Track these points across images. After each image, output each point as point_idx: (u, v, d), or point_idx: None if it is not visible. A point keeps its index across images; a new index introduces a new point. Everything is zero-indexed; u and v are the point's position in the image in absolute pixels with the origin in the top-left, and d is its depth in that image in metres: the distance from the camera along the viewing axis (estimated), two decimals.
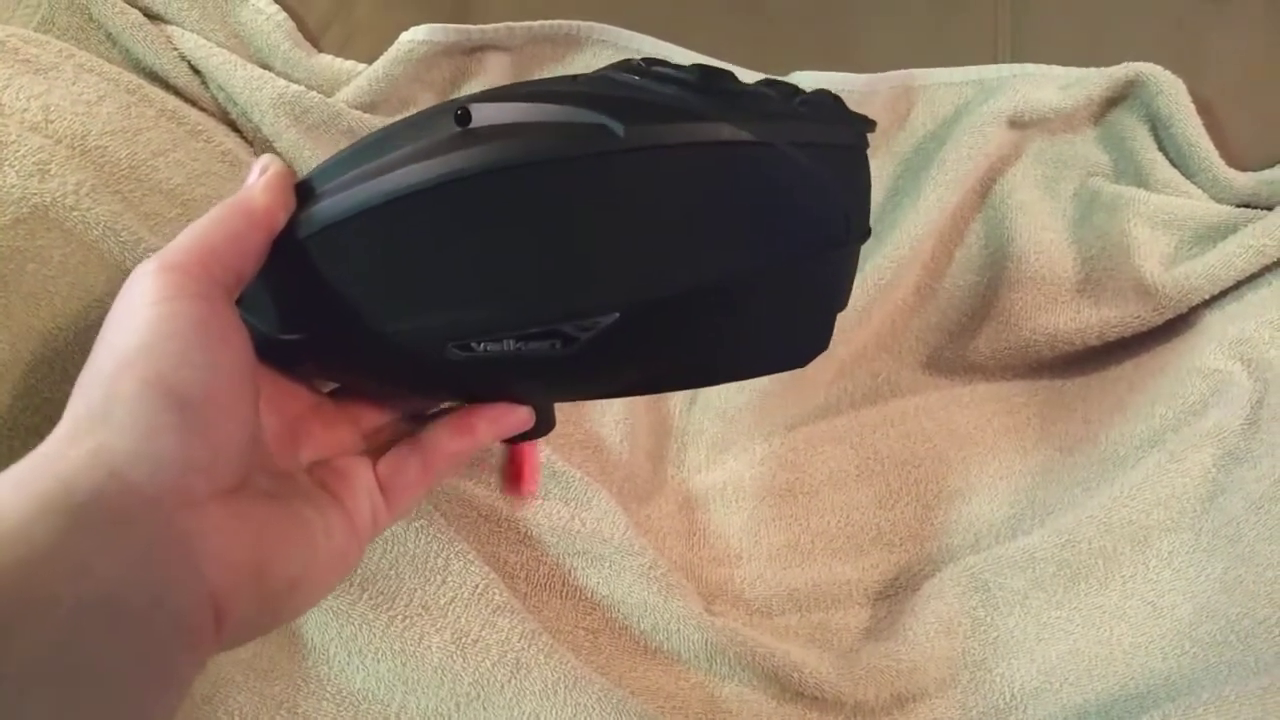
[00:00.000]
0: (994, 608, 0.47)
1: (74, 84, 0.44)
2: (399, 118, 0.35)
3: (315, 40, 0.58)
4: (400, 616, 0.41)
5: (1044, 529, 0.48)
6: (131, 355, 0.26)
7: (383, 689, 0.39)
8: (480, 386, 0.36)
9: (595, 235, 0.31)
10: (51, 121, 0.40)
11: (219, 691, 0.37)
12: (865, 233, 0.35)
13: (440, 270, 0.31)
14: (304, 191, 0.32)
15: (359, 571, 0.42)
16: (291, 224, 0.31)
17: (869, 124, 0.34)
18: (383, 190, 0.29)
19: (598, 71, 0.33)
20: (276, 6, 0.57)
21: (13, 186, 0.37)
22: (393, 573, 0.42)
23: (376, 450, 0.36)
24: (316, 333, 0.33)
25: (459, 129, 0.30)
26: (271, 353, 0.33)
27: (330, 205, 0.30)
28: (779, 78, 0.34)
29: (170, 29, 0.55)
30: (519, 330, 0.32)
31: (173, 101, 0.49)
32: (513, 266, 0.31)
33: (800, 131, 0.31)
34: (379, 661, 0.39)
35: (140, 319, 0.27)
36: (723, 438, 0.57)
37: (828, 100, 0.33)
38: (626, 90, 0.31)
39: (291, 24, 0.57)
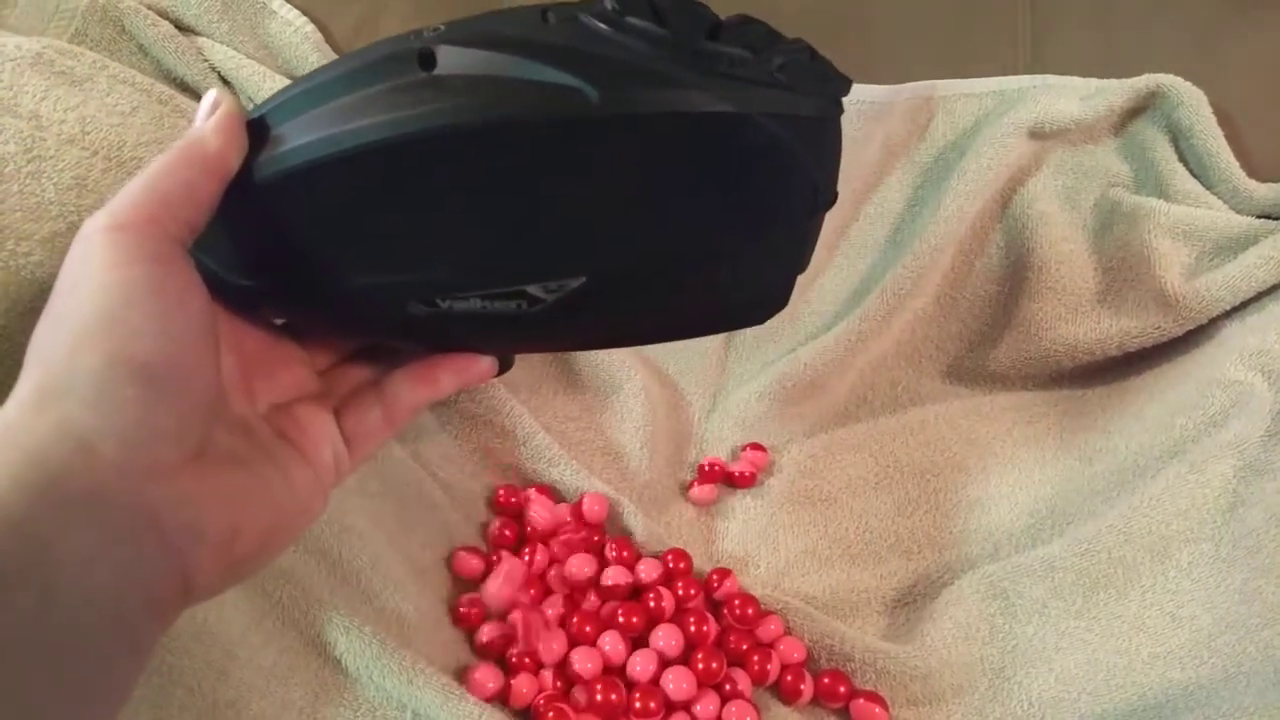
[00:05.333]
0: (1013, 616, 0.47)
1: (108, 95, 0.44)
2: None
3: (343, 51, 0.59)
4: (407, 642, 0.42)
5: (1063, 538, 0.48)
6: (91, 326, 0.26)
7: (394, 702, 0.40)
8: (443, 339, 0.36)
9: (564, 199, 0.30)
10: (88, 133, 0.41)
11: (241, 696, 0.38)
12: (831, 200, 0.35)
13: (403, 226, 0.31)
14: (258, 130, 0.30)
15: (371, 603, 0.42)
16: (248, 165, 0.30)
17: (846, 84, 0.34)
18: (343, 141, 0.29)
19: (568, 12, 0.30)
20: (305, 19, 0.58)
21: (51, 202, 0.38)
22: (398, 614, 0.43)
23: (337, 397, 0.36)
24: (272, 280, 0.32)
25: (424, 73, 0.29)
26: (226, 294, 0.32)
27: (289, 151, 0.29)
28: (755, 17, 0.33)
29: (201, 41, 0.56)
30: (483, 290, 0.32)
31: None
32: (478, 226, 0.30)
33: (776, 102, 0.30)
34: (385, 678, 0.39)
35: (96, 284, 0.26)
36: (741, 445, 0.57)
37: (805, 60, 0.32)
38: (600, 46, 0.29)
39: (319, 36, 0.58)
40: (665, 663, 0.45)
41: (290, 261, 0.32)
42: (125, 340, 0.26)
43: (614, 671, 0.44)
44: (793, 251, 0.36)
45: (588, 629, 0.45)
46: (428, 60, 0.29)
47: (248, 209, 0.30)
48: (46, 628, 0.23)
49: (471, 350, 0.37)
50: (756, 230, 0.33)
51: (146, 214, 0.27)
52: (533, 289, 0.32)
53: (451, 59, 0.29)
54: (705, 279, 0.34)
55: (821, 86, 0.33)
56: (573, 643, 0.45)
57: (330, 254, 0.31)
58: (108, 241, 0.27)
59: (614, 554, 0.48)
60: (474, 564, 0.48)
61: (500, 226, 0.31)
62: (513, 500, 0.51)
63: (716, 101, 0.29)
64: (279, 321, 0.37)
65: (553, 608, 0.47)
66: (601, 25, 0.29)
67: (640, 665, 0.44)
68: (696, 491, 0.54)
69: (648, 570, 0.48)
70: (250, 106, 0.54)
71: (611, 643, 0.45)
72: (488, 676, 0.43)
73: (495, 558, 0.48)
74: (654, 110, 0.29)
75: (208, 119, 0.30)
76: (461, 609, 0.46)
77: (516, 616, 0.45)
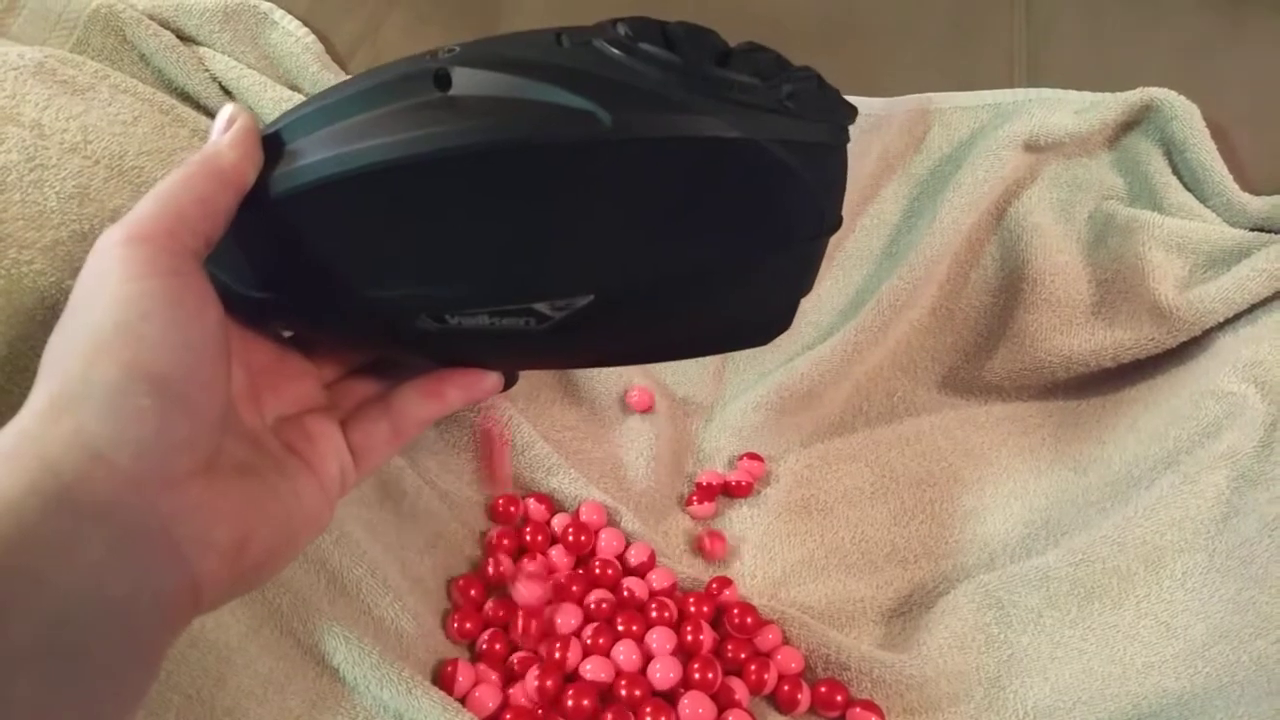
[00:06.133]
0: (1008, 625, 0.47)
1: (110, 105, 0.45)
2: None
3: (344, 62, 0.60)
4: (405, 653, 0.42)
5: (1058, 548, 0.48)
6: (108, 337, 0.26)
7: (390, 713, 0.40)
8: (451, 354, 0.36)
9: (574, 220, 0.31)
10: (90, 142, 0.41)
11: (239, 704, 0.38)
12: (836, 224, 0.35)
13: (414, 244, 0.31)
14: (273, 145, 0.31)
15: (370, 613, 0.43)
16: (262, 180, 0.30)
17: (852, 112, 0.34)
18: (359, 159, 0.29)
19: (582, 36, 0.31)
20: (306, 29, 0.58)
21: (53, 210, 0.38)
22: (396, 624, 0.43)
23: (344, 410, 0.36)
24: (283, 294, 0.33)
25: (439, 93, 0.29)
26: (237, 307, 0.32)
27: (304, 168, 0.30)
28: (766, 46, 0.33)
29: (202, 50, 0.56)
30: (493, 307, 0.32)
31: (205, 121, 0.50)
32: (489, 245, 0.31)
33: (784, 129, 0.31)
34: (383, 689, 0.39)
35: (113, 296, 0.26)
36: (738, 454, 0.57)
37: (812, 88, 0.33)
38: (613, 70, 0.30)
39: (320, 46, 0.58)
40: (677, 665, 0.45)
41: (301, 275, 0.32)
42: (142, 351, 0.26)
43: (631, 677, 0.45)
44: (798, 274, 0.36)
45: (602, 640, 0.46)
46: (443, 81, 0.29)
47: (261, 223, 0.31)
48: (59, 636, 0.23)
49: (479, 365, 0.37)
50: (762, 253, 0.34)
51: (164, 227, 0.27)
52: (541, 307, 0.32)
53: (466, 80, 0.29)
54: (711, 300, 0.35)
55: (828, 114, 0.33)
56: (586, 652, 0.45)
57: (341, 269, 0.32)
58: (125, 254, 0.27)
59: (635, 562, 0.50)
60: (472, 594, 0.48)
61: (510, 245, 0.31)
62: (512, 509, 0.51)
63: (725, 127, 0.30)
64: (286, 334, 0.37)
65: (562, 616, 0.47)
66: (614, 50, 0.30)
67: (660, 671, 0.44)
68: (695, 509, 0.54)
69: (659, 579, 0.49)
70: None
71: (626, 651, 0.45)
72: (487, 695, 0.43)
73: (496, 569, 0.48)
74: (664, 134, 0.29)
75: (224, 133, 0.30)
76: (457, 622, 0.46)
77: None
